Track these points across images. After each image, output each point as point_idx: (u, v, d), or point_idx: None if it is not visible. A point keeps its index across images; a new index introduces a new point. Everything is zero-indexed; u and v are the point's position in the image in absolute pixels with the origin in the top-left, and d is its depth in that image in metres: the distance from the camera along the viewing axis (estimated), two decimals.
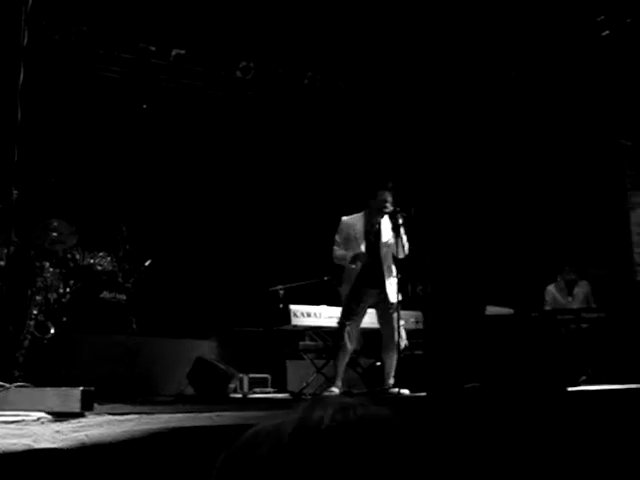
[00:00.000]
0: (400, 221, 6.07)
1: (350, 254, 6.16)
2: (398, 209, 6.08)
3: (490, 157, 9.63)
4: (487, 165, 9.66)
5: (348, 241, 6.28)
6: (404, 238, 6.10)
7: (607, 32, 8.22)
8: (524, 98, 9.26)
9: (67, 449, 2.38)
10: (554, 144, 9.29)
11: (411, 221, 6.27)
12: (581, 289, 8.34)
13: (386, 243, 6.19)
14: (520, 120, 9.43)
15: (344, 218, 6.39)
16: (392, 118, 9.96)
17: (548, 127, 9.27)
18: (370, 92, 9.69)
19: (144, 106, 8.87)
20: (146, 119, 8.89)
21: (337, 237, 6.36)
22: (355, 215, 6.38)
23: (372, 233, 6.28)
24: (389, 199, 6.17)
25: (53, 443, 2.40)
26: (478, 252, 9.46)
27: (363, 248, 6.20)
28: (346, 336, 6.13)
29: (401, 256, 6.04)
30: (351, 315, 6.19)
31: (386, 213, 6.10)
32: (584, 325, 7.47)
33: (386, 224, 6.26)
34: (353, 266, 6.15)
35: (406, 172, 9.18)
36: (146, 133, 8.86)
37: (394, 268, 6.18)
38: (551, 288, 8.45)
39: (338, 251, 6.30)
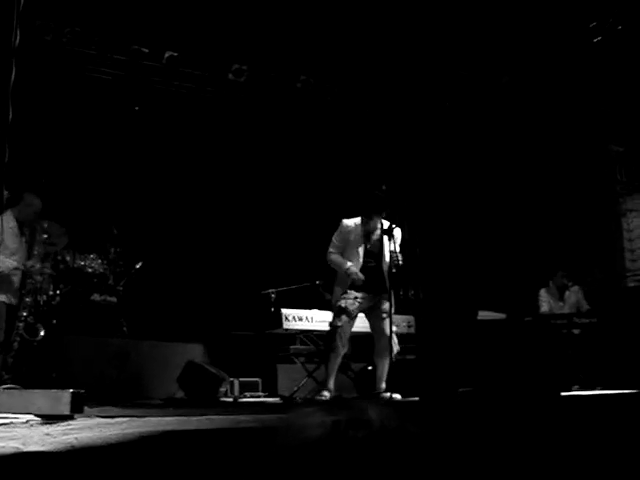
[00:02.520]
0: (395, 236, 6.05)
1: (348, 265, 6.10)
2: (393, 226, 6.02)
3: (483, 161, 9.62)
4: (480, 170, 9.64)
5: (346, 244, 6.23)
6: (399, 256, 6.04)
7: (599, 38, 8.23)
8: (516, 104, 9.25)
9: (56, 452, 2.34)
10: (546, 150, 9.30)
11: (403, 225, 6.22)
12: (573, 294, 8.35)
13: (386, 250, 6.12)
14: (512, 126, 9.43)
15: (344, 221, 6.32)
16: (385, 121, 9.94)
17: (540, 133, 9.27)
18: (363, 95, 9.67)
19: (136, 108, 8.84)
20: (138, 121, 8.85)
21: (335, 239, 6.30)
22: (355, 219, 6.31)
23: (370, 241, 6.24)
24: (378, 226, 6.16)
25: (42, 446, 2.36)
26: (470, 256, 9.45)
27: (361, 252, 6.16)
28: (338, 338, 6.08)
29: (393, 270, 5.99)
30: (344, 317, 6.13)
31: (384, 232, 6.04)
32: (576, 330, 7.48)
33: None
34: (353, 277, 6.11)
35: (398, 174, 9.15)
36: (138, 135, 8.83)
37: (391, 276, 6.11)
38: (544, 292, 8.46)
39: (334, 254, 6.23)
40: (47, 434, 2.50)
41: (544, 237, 9.25)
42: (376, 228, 6.22)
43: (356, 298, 6.13)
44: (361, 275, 6.07)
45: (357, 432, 1.08)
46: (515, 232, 9.43)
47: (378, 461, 1.08)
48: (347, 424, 1.10)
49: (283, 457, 1.10)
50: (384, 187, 6.25)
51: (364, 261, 6.17)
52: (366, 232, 6.23)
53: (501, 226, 9.49)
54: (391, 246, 5.98)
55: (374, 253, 6.21)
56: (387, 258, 6.07)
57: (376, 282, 6.13)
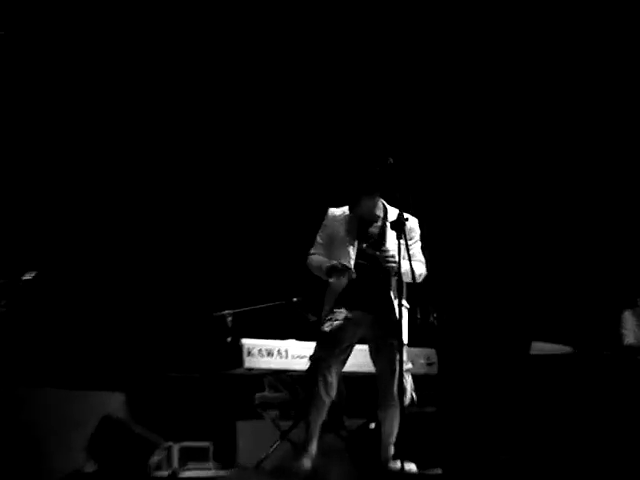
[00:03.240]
0: (411, 229, 6.08)
1: (327, 263, 6.06)
2: (405, 217, 5.94)
3: (549, 152, 9.84)
4: (544, 157, 9.84)
5: (332, 242, 6.20)
6: (417, 256, 6.07)
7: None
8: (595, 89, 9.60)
9: None
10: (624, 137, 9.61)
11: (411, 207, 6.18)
12: None
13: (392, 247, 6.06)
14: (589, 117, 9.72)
15: (331, 209, 6.33)
16: (391, 114, 10.08)
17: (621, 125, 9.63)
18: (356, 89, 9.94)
19: None
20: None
21: (319, 235, 6.29)
22: (345, 207, 6.31)
23: (367, 235, 6.20)
24: (377, 212, 6.18)
25: None
26: (520, 265, 9.45)
27: (352, 253, 6.11)
28: (321, 380, 5.95)
29: (407, 279, 5.93)
30: (330, 351, 6.02)
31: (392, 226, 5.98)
32: None
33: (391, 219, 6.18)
34: (332, 280, 6.06)
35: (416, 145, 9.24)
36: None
37: (404, 290, 6.04)
38: (629, 316, 8.44)
39: (315, 256, 6.21)
40: None
41: (626, 241, 9.34)
42: (373, 216, 6.20)
43: (348, 323, 6.04)
44: (351, 267, 6.01)
45: None
46: (585, 234, 9.54)
47: None
48: None
49: None
50: (391, 160, 6.19)
51: (358, 263, 6.11)
52: (359, 222, 6.19)
53: (565, 226, 9.60)
54: (403, 245, 5.89)
55: (370, 255, 6.12)
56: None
57: (377, 295, 6.05)
